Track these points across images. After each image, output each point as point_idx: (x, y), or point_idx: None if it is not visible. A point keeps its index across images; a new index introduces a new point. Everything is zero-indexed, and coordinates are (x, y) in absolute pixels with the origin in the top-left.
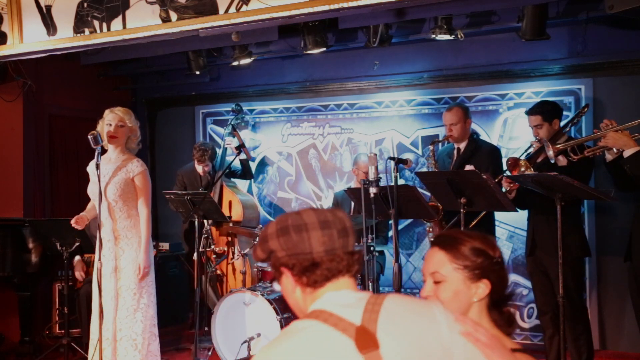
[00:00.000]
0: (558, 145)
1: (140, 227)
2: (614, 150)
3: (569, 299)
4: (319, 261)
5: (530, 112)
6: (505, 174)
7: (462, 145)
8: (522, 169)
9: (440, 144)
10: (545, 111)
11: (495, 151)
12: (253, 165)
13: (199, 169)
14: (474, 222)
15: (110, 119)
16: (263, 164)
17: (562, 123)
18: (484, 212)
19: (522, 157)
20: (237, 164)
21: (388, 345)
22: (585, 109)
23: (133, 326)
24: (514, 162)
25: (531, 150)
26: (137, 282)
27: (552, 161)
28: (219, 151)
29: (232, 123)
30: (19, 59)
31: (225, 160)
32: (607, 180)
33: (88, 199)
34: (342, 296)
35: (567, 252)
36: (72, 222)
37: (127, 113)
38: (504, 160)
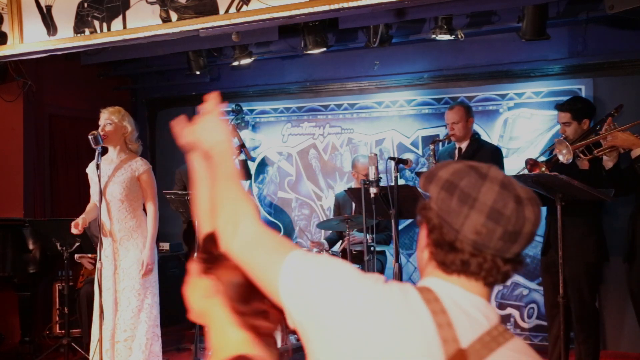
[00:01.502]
0: (575, 145)
1: (145, 226)
2: (621, 150)
3: (581, 302)
4: (459, 247)
5: (560, 108)
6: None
7: (464, 145)
8: (543, 170)
9: (440, 144)
10: (575, 109)
11: (496, 151)
12: (253, 166)
13: None
14: None
15: (101, 120)
16: (263, 164)
17: (592, 123)
18: None
19: (542, 158)
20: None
21: None
22: (620, 109)
23: (137, 326)
24: (533, 163)
25: (556, 153)
26: (141, 282)
27: (569, 162)
28: None
29: (232, 123)
30: (19, 59)
31: None
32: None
33: (88, 199)
34: (469, 300)
35: (584, 256)
36: (75, 228)
37: (115, 112)
38: (524, 161)
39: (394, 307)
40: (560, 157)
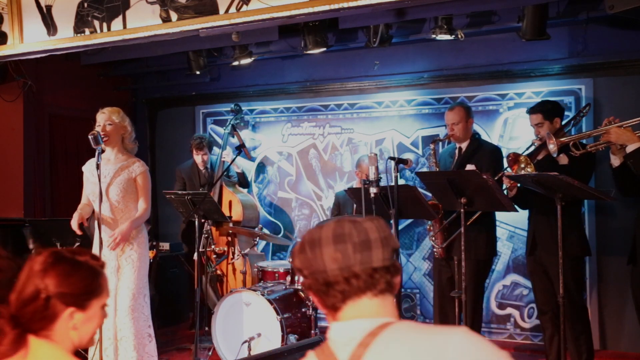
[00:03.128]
0: (562, 139)
1: (140, 227)
2: (617, 146)
3: (569, 299)
4: (332, 280)
5: (531, 111)
6: (505, 173)
7: (464, 145)
8: (522, 165)
9: (441, 144)
10: (545, 110)
11: (496, 151)
12: (253, 165)
13: (198, 159)
14: (472, 219)
15: (99, 120)
16: (263, 164)
17: (564, 122)
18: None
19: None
20: (235, 167)
21: None
22: (587, 109)
23: (130, 327)
24: (514, 158)
25: (532, 148)
26: (136, 282)
27: (555, 155)
28: (218, 151)
29: (232, 123)
30: (19, 59)
31: (224, 164)
32: (608, 180)
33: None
34: (347, 329)
35: (567, 252)
36: (74, 224)
37: (114, 111)
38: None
39: None
40: (551, 147)
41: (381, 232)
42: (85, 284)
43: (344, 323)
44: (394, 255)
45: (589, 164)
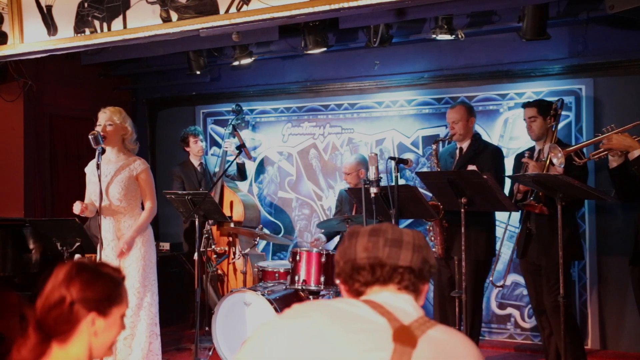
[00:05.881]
0: (567, 149)
1: (144, 225)
2: (619, 153)
3: (556, 300)
4: (359, 265)
5: (526, 105)
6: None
7: (465, 145)
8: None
9: (442, 143)
10: (542, 105)
11: (497, 152)
12: (253, 165)
13: (195, 148)
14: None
15: (100, 120)
16: (263, 164)
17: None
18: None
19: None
20: (233, 166)
21: (423, 355)
22: (561, 104)
23: (137, 325)
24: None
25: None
26: (141, 280)
27: (562, 166)
28: (219, 151)
29: (233, 123)
30: (19, 58)
31: (226, 161)
32: (608, 181)
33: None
34: (390, 297)
35: (561, 254)
36: (76, 209)
37: (116, 112)
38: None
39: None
40: (555, 161)
41: (416, 240)
42: (107, 291)
43: (393, 294)
44: (426, 265)
45: (583, 172)
